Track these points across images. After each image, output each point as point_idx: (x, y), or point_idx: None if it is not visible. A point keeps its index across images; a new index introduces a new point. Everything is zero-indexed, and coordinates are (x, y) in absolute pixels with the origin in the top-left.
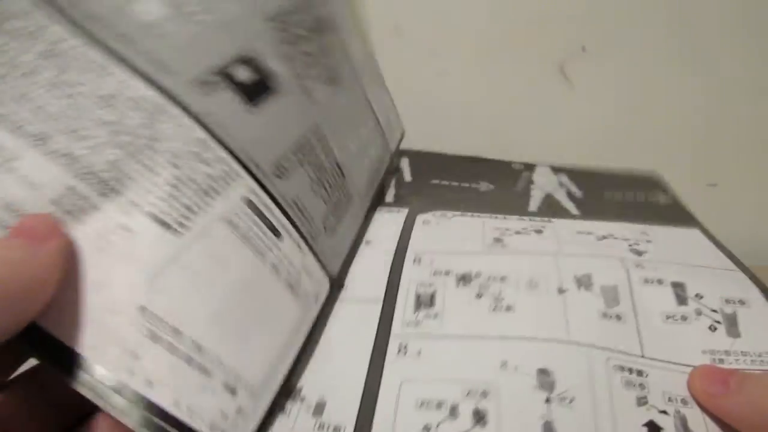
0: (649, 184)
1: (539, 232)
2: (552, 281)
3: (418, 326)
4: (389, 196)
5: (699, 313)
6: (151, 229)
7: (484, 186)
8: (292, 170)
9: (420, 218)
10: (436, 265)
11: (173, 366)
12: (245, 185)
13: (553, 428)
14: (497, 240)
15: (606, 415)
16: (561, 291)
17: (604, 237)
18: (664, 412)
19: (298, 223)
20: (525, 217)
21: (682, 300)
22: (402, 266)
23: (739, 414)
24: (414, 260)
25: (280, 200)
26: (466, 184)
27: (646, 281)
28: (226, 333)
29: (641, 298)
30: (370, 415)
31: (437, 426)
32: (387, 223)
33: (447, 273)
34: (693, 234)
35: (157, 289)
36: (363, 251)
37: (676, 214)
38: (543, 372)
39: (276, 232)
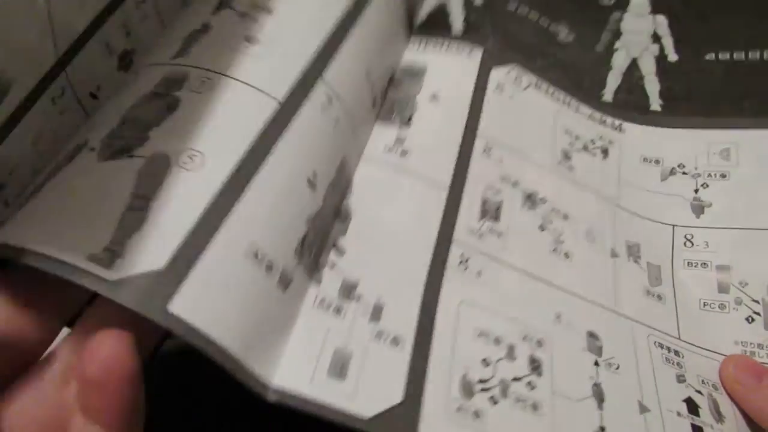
0: None
1: (605, 153)
2: (607, 239)
3: (481, 239)
4: (457, 26)
5: (739, 302)
6: None
7: (563, 33)
8: None
9: (494, 75)
10: (505, 165)
11: None
12: None
13: (602, 391)
14: (565, 156)
15: (650, 386)
16: (614, 254)
17: (672, 171)
18: (699, 392)
19: None
20: (597, 114)
21: (723, 287)
22: (471, 151)
23: (764, 412)
24: (484, 149)
25: None
26: (545, 23)
27: (690, 264)
28: None
29: (682, 282)
30: (429, 331)
31: (496, 362)
32: (456, 73)
33: (515, 184)
34: None
35: None
36: (428, 108)
37: None
38: (591, 335)
39: None
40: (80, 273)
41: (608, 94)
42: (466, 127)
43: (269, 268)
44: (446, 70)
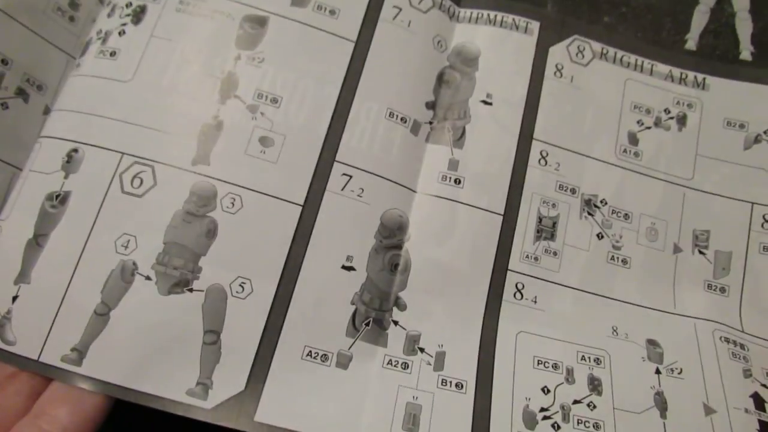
0: None
1: (682, 122)
2: (671, 233)
3: (536, 262)
4: None
5: None
6: None
7: None
8: None
9: (552, 55)
10: (562, 172)
11: None
12: None
13: (665, 399)
14: (632, 140)
15: (716, 385)
16: (676, 249)
17: (757, 139)
18: (765, 386)
19: None
20: (676, 71)
21: None
22: (526, 163)
23: None
24: (540, 158)
25: None
26: None
27: (766, 249)
28: None
29: (754, 269)
30: (489, 370)
31: (555, 389)
32: (512, 60)
33: (573, 191)
34: None
35: None
36: (481, 116)
37: None
38: (652, 342)
39: None
40: (184, 407)
41: (692, 40)
42: (521, 132)
43: (325, 358)
44: (501, 55)
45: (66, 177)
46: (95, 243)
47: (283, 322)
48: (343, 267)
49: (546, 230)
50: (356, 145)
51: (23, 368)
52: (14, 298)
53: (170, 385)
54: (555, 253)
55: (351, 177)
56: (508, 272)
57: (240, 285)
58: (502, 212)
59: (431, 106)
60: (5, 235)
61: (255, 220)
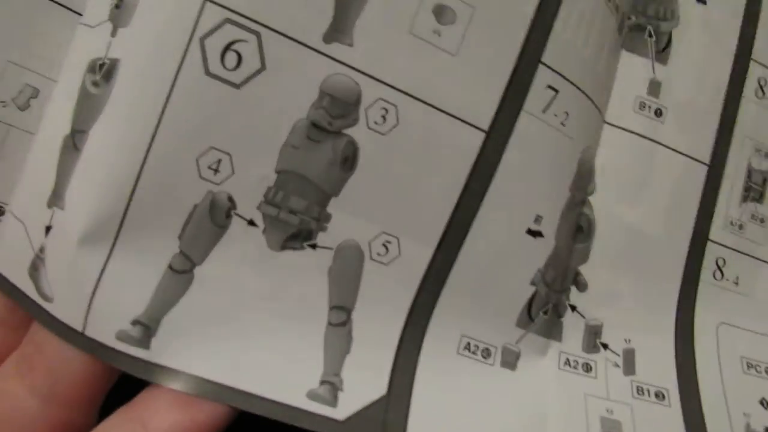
0: None
1: None
2: None
3: (741, 231)
4: None
5: None
6: None
7: None
8: None
9: None
10: None
11: None
12: None
13: None
14: None
15: None
16: None
17: None
18: None
19: None
20: None
21: None
22: (741, 89)
23: None
24: (758, 86)
25: None
26: None
27: None
28: None
29: None
30: (692, 374)
31: None
32: None
33: None
34: None
35: None
36: (692, 21)
37: None
38: None
39: None
40: (308, 416)
41: None
42: (738, 49)
43: (487, 353)
44: None
45: (113, 34)
46: (162, 156)
47: (437, 300)
48: (529, 231)
49: (755, 189)
50: (570, 40)
51: (65, 339)
52: (47, 229)
53: (284, 384)
54: (762, 221)
55: (557, 92)
56: (709, 243)
57: (383, 245)
58: (708, 161)
59: None
60: (44, 126)
61: (415, 147)
